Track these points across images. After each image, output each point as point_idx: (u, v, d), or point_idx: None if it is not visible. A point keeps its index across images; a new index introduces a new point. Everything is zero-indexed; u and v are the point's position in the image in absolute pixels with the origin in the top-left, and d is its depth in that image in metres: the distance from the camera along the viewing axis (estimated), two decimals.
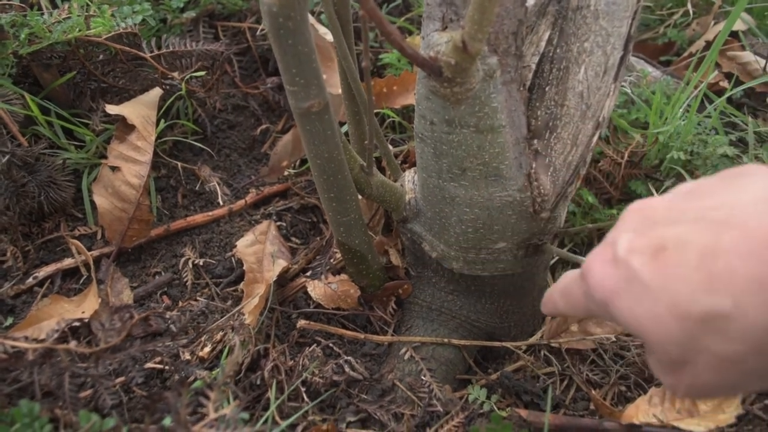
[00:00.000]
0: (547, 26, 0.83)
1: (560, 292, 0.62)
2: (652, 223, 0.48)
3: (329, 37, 1.25)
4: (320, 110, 0.76)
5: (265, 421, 0.81)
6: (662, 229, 0.46)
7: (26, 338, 0.86)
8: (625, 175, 1.20)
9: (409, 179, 0.96)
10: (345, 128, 1.04)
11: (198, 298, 1.02)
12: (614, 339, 1.02)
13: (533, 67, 0.82)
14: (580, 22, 0.81)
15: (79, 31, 1.09)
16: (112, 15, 1.13)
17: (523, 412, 0.88)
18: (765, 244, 0.40)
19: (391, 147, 1.13)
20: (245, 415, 0.69)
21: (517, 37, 0.76)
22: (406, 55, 0.68)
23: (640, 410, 0.90)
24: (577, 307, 0.58)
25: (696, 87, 1.20)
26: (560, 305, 0.63)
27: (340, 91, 1.10)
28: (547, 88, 0.82)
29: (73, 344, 0.75)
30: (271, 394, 0.87)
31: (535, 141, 0.83)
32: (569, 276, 0.61)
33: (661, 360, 0.47)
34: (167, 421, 0.74)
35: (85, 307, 0.97)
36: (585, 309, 0.57)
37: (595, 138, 0.86)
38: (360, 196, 0.90)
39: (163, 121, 1.15)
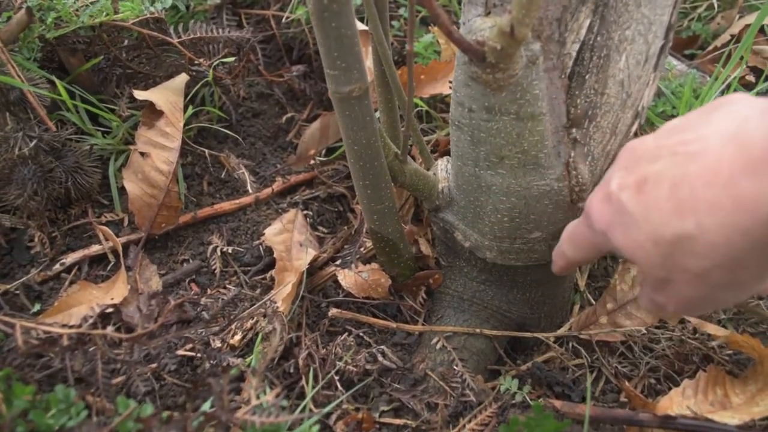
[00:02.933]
0: (587, 13, 0.81)
1: (567, 240, 0.71)
2: (638, 160, 0.55)
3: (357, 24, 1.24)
4: (360, 95, 0.76)
5: (302, 410, 0.81)
6: (645, 165, 0.53)
7: (58, 324, 0.85)
8: None
9: (442, 168, 0.95)
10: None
11: (227, 286, 1.01)
12: (644, 331, 1.01)
13: (573, 54, 0.81)
14: (621, 10, 0.80)
15: (107, 15, 1.08)
16: None
17: (557, 403, 0.88)
18: (720, 174, 0.45)
19: None
20: (285, 403, 0.69)
21: (561, 23, 0.75)
22: (451, 39, 0.67)
23: (674, 402, 0.90)
24: (585, 247, 0.67)
25: (724, 81, 1.19)
26: (569, 253, 0.72)
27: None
28: (587, 76, 0.81)
29: (109, 330, 0.74)
30: (307, 382, 0.87)
31: (574, 130, 0.82)
32: (572, 224, 0.70)
33: (651, 282, 0.55)
34: (206, 407, 0.73)
35: (113, 293, 0.96)
36: (592, 246, 0.65)
37: (634, 127, 0.85)
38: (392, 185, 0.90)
39: (190, 107, 1.14)
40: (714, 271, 0.48)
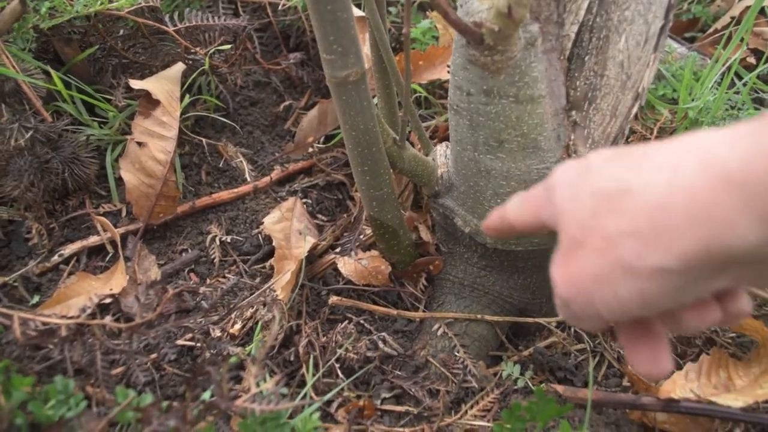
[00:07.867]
0: None
1: (521, 198, 0.61)
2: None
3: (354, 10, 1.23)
4: (357, 80, 0.75)
5: (303, 397, 0.80)
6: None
7: (57, 315, 0.85)
8: None
9: (441, 153, 0.94)
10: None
11: (226, 275, 1.01)
12: None
13: (572, 36, 0.80)
14: None
15: (101, 4, 1.07)
16: None
17: (560, 388, 0.87)
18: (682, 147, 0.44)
19: None
20: (285, 391, 0.68)
21: (559, 4, 0.75)
22: (448, 21, 0.66)
23: (677, 385, 0.89)
24: (529, 207, 0.59)
25: (725, 63, 1.18)
26: (511, 212, 0.61)
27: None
28: (586, 58, 0.80)
29: (108, 320, 0.74)
30: (307, 370, 0.86)
31: (574, 112, 0.81)
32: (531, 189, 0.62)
33: (562, 245, 0.50)
34: (207, 395, 0.73)
35: (112, 284, 0.95)
36: (535, 207, 0.57)
37: (635, 109, 0.84)
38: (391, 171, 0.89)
39: (187, 96, 1.13)
40: (626, 240, 0.44)
